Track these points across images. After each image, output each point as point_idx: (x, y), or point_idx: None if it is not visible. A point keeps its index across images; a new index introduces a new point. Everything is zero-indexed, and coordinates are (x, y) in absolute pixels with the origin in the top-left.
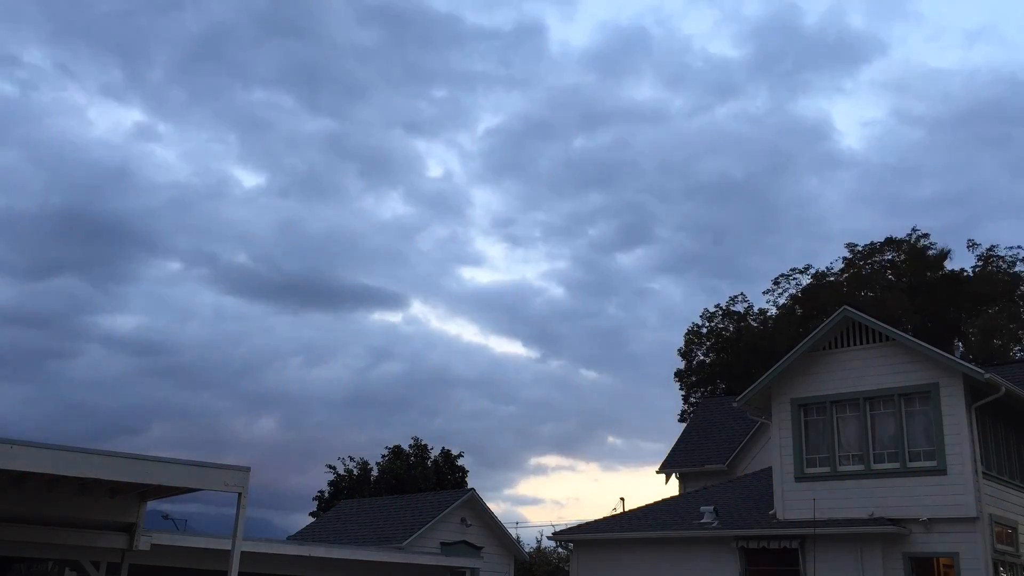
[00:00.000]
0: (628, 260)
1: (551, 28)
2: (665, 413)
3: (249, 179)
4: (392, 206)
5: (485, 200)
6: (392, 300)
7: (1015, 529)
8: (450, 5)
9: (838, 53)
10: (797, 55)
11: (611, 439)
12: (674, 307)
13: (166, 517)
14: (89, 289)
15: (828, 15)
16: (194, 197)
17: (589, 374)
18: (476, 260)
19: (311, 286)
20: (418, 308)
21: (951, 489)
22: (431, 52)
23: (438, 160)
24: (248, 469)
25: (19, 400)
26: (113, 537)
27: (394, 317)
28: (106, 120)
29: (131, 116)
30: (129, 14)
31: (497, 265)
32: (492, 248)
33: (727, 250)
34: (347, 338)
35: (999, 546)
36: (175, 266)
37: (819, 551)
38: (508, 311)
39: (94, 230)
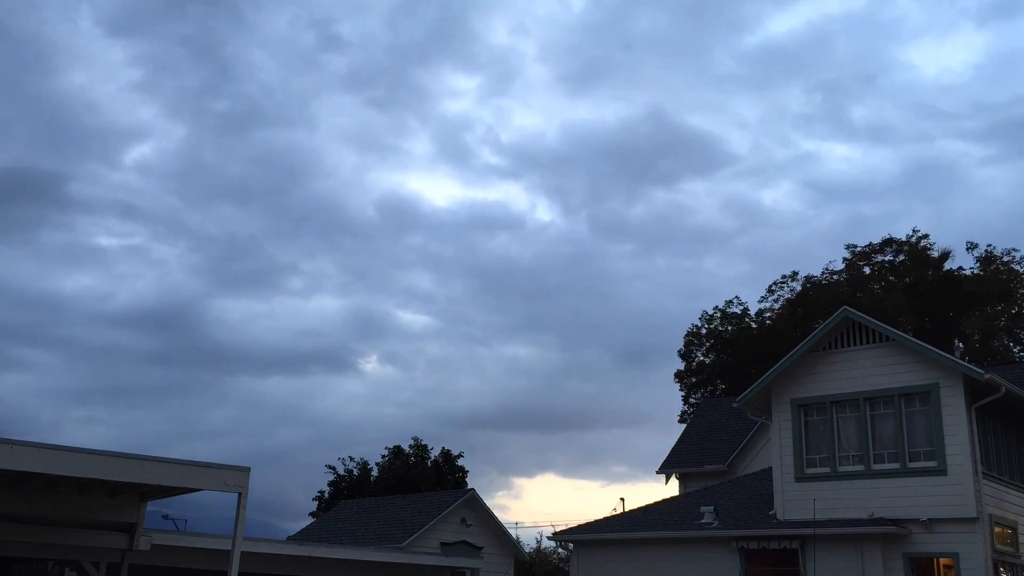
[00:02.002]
0: (593, 343)
1: (505, 231)
2: (656, 454)
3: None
4: (417, 317)
5: (483, 315)
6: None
7: (1015, 529)
8: (439, 201)
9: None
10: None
11: (616, 468)
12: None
13: (166, 517)
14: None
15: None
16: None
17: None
18: (486, 349)
19: (364, 349)
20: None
21: (951, 489)
22: (427, 232)
23: (446, 291)
24: (248, 469)
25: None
26: (113, 537)
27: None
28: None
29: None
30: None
31: (496, 355)
32: (495, 343)
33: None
34: (399, 382)
35: (999, 546)
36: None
37: (819, 551)
38: (521, 378)
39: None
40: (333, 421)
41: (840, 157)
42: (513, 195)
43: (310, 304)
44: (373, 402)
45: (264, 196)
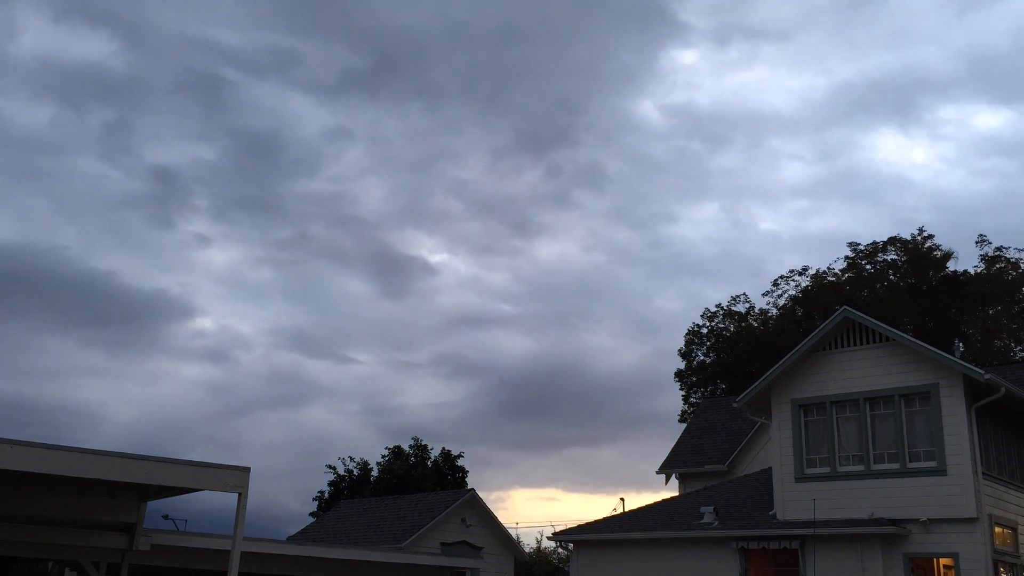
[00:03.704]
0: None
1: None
2: (656, 461)
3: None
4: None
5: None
6: None
7: (1015, 529)
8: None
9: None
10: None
11: (618, 481)
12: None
13: (166, 517)
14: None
15: None
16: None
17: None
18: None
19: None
20: None
21: (951, 489)
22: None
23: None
24: (248, 469)
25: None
26: (113, 537)
27: None
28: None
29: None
30: None
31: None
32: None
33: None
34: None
35: (999, 546)
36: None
37: (819, 551)
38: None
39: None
40: (355, 436)
41: None
42: (495, 312)
43: (349, 365)
44: (391, 420)
45: (296, 298)
